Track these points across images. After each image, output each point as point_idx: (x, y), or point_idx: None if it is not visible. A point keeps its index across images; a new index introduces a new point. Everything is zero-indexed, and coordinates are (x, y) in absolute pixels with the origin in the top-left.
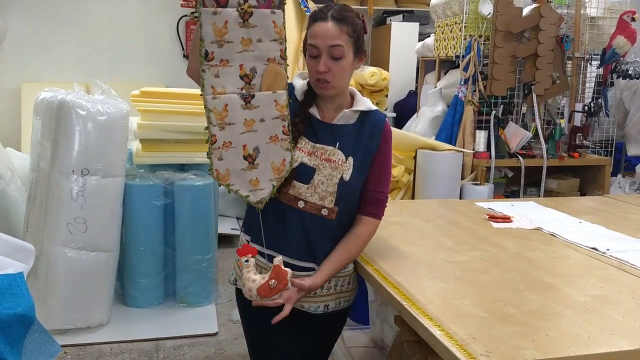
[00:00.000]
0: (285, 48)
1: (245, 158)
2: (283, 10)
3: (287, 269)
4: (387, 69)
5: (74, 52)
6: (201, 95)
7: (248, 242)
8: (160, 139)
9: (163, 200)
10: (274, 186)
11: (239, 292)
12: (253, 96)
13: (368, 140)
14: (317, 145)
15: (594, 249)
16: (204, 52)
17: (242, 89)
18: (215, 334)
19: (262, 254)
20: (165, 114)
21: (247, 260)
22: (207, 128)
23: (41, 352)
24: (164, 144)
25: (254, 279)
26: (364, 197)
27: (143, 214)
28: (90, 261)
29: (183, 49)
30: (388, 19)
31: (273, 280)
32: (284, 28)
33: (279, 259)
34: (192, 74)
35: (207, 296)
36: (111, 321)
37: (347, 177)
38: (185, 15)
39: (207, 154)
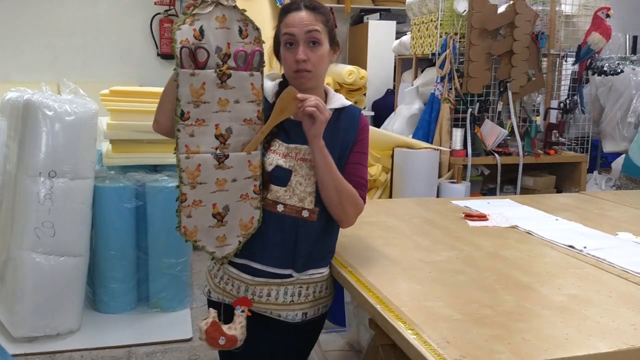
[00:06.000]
0: (263, 109)
1: (214, 216)
2: (262, 73)
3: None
4: (364, 67)
5: (44, 51)
6: (174, 153)
7: None
8: (131, 140)
9: (134, 203)
10: (240, 242)
11: (211, 304)
12: (227, 156)
13: (345, 134)
14: (291, 145)
15: (570, 246)
16: (179, 111)
17: (216, 148)
18: (189, 340)
19: (233, 264)
20: (136, 113)
21: (242, 311)
22: (177, 186)
23: None
24: (135, 145)
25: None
26: None
27: (113, 217)
28: (59, 266)
29: (157, 48)
30: (365, 17)
31: (222, 338)
32: (262, 89)
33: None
34: (159, 129)
35: (181, 301)
36: (82, 328)
37: None
38: (159, 14)
39: (176, 211)
